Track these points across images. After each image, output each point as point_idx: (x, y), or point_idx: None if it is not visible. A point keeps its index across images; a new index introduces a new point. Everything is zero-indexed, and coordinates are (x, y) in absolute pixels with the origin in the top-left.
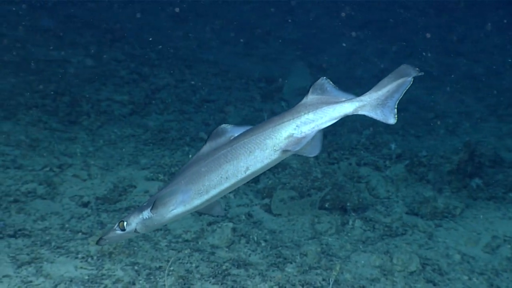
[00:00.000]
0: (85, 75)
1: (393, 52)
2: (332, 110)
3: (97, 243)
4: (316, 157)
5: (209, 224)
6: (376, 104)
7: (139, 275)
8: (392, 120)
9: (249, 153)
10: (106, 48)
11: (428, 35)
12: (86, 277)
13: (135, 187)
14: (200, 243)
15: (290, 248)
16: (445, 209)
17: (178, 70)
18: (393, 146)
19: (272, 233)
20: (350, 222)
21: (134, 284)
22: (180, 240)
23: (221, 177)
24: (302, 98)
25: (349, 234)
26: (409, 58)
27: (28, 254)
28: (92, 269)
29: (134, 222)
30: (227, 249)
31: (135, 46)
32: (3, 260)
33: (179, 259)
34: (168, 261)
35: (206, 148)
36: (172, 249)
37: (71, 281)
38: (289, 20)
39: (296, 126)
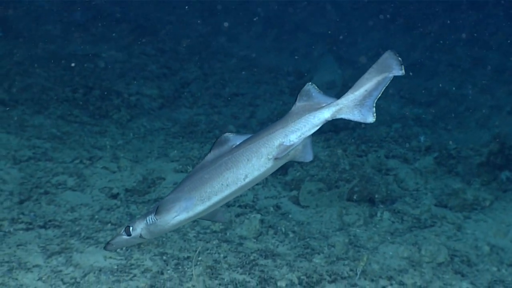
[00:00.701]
0: (116, 69)
1: (422, 46)
2: (313, 117)
3: (105, 248)
4: (344, 149)
5: (237, 215)
6: (353, 105)
7: (167, 265)
8: (370, 119)
9: (247, 161)
10: (136, 43)
11: (458, 29)
12: (115, 267)
13: (164, 179)
14: (228, 234)
15: (318, 239)
16: (474, 201)
17: (207, 64)
18: (422, 138)
19: (300, 225)
20: (378, 214)
21: (162, 273)
22: (208, 231)
23: (222, 184)
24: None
25: (377, 226)
26: (439, 52)
27: (58, 245)
28: (121, 259)
29: (139, 228)
30: (255, 240)
31: (165, 40)
32: (34, 250)
33: (207, 250)
34: (196, 251)
35: (210, 156)
36: (200, 240)
37: (100, 270)
38: (318, 14)
39: (285, 135)
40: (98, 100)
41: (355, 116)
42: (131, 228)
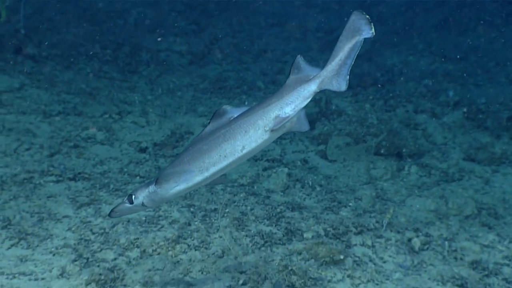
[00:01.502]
0: (145, 25)
1: (453, 1)
2: (303, 90)
3: (109, 215)
4: (372, 104)
5: (265, 169)
6: (332, 75)
7: (194, 216)
8: (344, 87)
9: (244, 133)
10: None
11: None
12: (143, 218)
13: (192, 133)
14: (255, 187)
15: (345, 193)
16: (503, 155)
17: (236, 21)
18: (451, 93)
19: (327, 178)
20: (406, 168)
21: (189, 225)
22: (235, 184)
23: (220, 155)
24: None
25: (404, 180)
26: (470, 8)
27: (87, 196)
28: (149, 211)
29: (141, 196)
30: (282, 193)
31: None
32: (63, 202)
33: (234, 202)
34: (222, 203)
35: (209, 127)
36: (228, 193)
37: (128, 221)
38: None
39: (280, 107)
40: (128, 56)
41: (333, 86)
42: (133, 197)
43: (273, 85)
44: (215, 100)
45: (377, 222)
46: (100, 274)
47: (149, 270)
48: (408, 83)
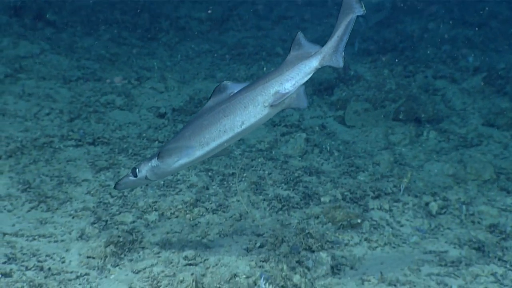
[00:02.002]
0: None
1: None
2: (304, 66)
3: (114, 187)
4: (390, 70)
5: (283, 134)
6: (332, 52)
7: (212, 180)
8: (341, 64)
9: (244, 109)
10: None
11: None
12: (162, 182)
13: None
14: (273, 152)
15: (363, 158)
16: None
17: None
18: (470, 59)
19: (345, 144)
20: (425, 133)
21: (207, 188)
22: (254, 149)
23: (219, 130)
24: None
25: (423, 145)
26: None
27: (106, 160)
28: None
29: (144, 170)
30: (300, 158)
31: None
32: (83, 166)
33: (252, 167)
34: (241, 168)
35: (209, 103)
36: (246, 158)
37: (147, 185)
38: None
39: (280, 83)
40: (147, 22)
41: (333, 62)
42: (137, 170)
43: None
44: (234, 66)
45: (394, 186)
46: (119, 237)
47: (167, 233)
48: (428, 49)
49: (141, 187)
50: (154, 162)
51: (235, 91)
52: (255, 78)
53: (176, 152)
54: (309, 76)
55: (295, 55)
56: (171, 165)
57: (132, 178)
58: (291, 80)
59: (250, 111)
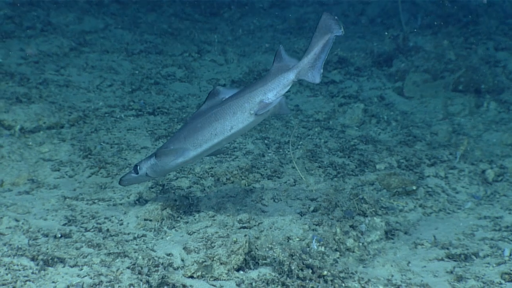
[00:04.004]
0: None
1: None
2: (283, 78)
3: (119, 183)
4: (450, 41)
5: (340, 105)
6: (308, 67)
7: (268, 148)
8: (318, 80)
9: (233, 114)
10: None
11: None
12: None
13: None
14: (331, 122)
15: (421, 128)
16: None
17: None
18: None
19: (403, 114)
20: (485, 104)
21: (263, 156)
22: (311, 119)
23: (211, 133)
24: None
25: (482, 116)
26: None
27: (165, 129)
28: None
29: (144, 167)
30: (357, 128)
31: None
32: (142, 134)
33: (309, 136)
34: (296, 136)
35: (204, 106)
36: (303, 127)
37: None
38: None
39: (264, 93)
40: None
41: (308, 77)
42: (138, 167)
43: (354, 26)
44: (294, 40)
45: (450, 154)
46: (175, 200)
47: (222, 197)
48: (491, 21)
49: None
50: (152, 160)
51: (227, 97)
52: (242, 86)
53: (172, 152)
54: (288, 88)
55: (277, 67)
56: (168, 163)
57: (134, 175)
58: (273, 90)
59: (238, 117)
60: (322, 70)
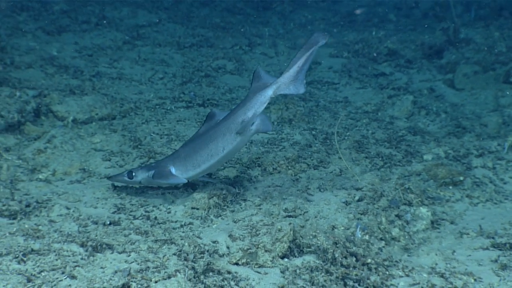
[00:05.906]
0: None
1: None
2: (261, 96)
3: (108, 178)
4: (502, 33)
5: (389, 97)
6: (289, 82)
7: (316, 139)
8: (302, 90)
9: (223, 136)
10: None
11: None
12: (266, 140)
13: (320, 63)
14: (379, 114)
15: (470, 119)
16: None
17: None
18: None
19: (453, 106)
20: None
21: (310, 146)
22: (360, 111)
23: (208, 154)
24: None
25: None
26: None
27: None
28: (272, 133)
29: (140, 176)
30: (405, 120)
31: None
32: (192, 125)
33: (356, 127)
34: (344, 127)
35: (203, 128)
36: (351, 119)
37: (251, 142)
38: None
39: (244, 112)
40: None
41: (290, 90)
42: (133, 174)
43: (406, 19)
44: (345, 33)
45: (498, 145)
46: (222, 189)
47: (269, 186)
48: None
49: (246, 145)
50: (150, 173)
51: (221, 118)
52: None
53: (170, 176)
54: (265, 105)
55: (256, 86)
56: (162, 182)
57: (126, 178)
58: (252, 109)
59: (227, 138)
60: (305, 81)
